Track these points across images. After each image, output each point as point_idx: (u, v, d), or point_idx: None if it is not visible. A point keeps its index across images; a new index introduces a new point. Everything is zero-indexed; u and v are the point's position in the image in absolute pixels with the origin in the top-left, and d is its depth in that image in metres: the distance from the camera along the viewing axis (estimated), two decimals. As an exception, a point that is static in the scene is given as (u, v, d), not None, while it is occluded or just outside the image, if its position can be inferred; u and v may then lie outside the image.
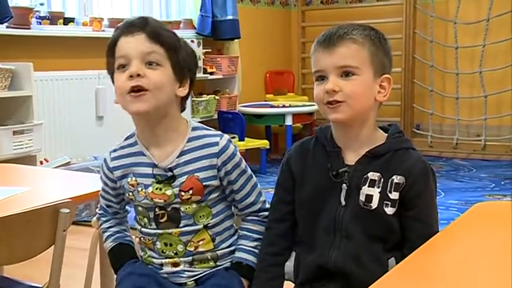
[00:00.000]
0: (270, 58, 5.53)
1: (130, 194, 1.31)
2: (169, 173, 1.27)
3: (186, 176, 1.27)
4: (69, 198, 1.34)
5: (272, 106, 4.91)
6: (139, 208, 1.32)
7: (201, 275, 1.31)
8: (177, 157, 1.28)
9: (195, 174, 1.27)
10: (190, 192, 1.27)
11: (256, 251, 1.32)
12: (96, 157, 3.73)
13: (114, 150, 1.35)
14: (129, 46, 1.25)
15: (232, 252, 1.34)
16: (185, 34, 4.54)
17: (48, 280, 1.33)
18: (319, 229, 1.23)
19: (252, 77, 5.23)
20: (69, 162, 3.50)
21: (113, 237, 1.39)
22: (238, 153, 1.32)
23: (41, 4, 3.67)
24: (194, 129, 1.31)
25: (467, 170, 4.45)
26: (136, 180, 1.30)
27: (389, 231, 1.19)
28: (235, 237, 1.36)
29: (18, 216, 1.23)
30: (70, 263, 1.69)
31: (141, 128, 1.32)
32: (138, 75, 1.22)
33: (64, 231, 1.30)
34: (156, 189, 1.28)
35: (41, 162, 3.41)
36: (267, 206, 1.35)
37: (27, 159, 3.22)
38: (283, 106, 4.86)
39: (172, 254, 1.31)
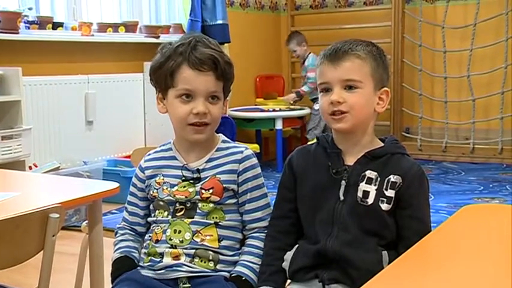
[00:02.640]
0: (260, 62, 5.54)
1: (155, 191, 1.39)
2: (196, 174, 1.37)
3: (210, 177, 1.36)
4: (59, 203, 1.34)
5: (262, 110, 4.92)
6: (161, 203, 1.38)
7: (199, 274, 1.32)
8: (205, 162, 1.38)
9: (217, 175, 1.36)
10: (211, 191, 1.35)
11: (257, 269, 1.34)
12: (85, 162, 3.72)
13: (149, 154, 1.46)
14: (196, 83, 1.33)
15: (233, 263, 1.36)
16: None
17: (38, 285, 1.32)
18: (318, 222, 1.29)
19: (242, 81, 5.23)
20: (59, 167, 3.48)
21: (120, 250, 1.42)
22: (259, 169, 1.41)
23: (30, 9, 3.65)
24: (224, 142, 1.43)
25: (456, 173, 4.48)
26: (163, 179, 1.39)
27: (384, 227, 1.26)
28: (239, 251, 1.38)
29: (7, 222, 1.22)
30: (60, 268, 1.69)
31: (182, 140, 1.41)
32: (204, 113, 1.33)
33: (53, 236, 1.30)
34: (181, 187, 1.37)
35: (30, 168, 3.39)
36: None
37: (16, 165, 3.20)
38: (274, 110, 4.87)
39: (178, 242, 1.33)
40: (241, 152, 1.39)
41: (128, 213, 1.46)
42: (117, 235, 1.46)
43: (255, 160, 1.41)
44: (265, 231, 1.38)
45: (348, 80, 1.27)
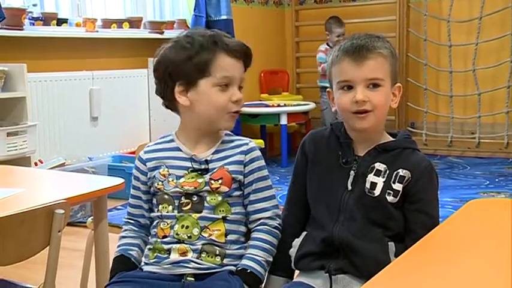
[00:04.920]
0: (265, 58, 5.53)
1: (160, 183, 1.38)
2: (204, 165, 1.37)
3: (218, 168, 1.37)
4: (64, 199, 1.34)
5: (267, 106, 4.92)
6: (166, 197, 1.37)
7: (205, 271, 1.32)
8: (212, 153, 1.39)
9: (226, 166, 1.37)
10: (220, 181, 1.36)
11: (264, 262, 1.35)
12: (91, 158, 3.72)
13: (148, 146, 1.45)
14: (235, 70, 1.38)
15: (239, 257, 1.36)
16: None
17: (44, 281, 1.32)
18: (325, 208, 1.31)
19: (246, 77, 5.20)
20: (64, 163, 3.49)
21: (119, 248, 1.42)
22: (263, 161, 1.42)
23: (34, 5, 3.66)
24: (227, 135, 1.44)
25: (461, 168, 4.46)
26: (168, 171, 1.38)
27: (389, 218, 1.27)
28: (245, 245, 1.38)
29: (12, 218, 1.22)
30: (66, 264, 1.69)
31: (190, 131, 1.41)
32: (241, 100, 1.39)
33: (59, 232, 1.30)
34: (189, 178, 1.36)
35: (36, 164, 3.40)
36: (279, 220, 1.41)
37: (22, 161, 3.21)
38: (278, 105, 4.86)
39: (186, 237, 1.34)
40: (247, 144, 1.41)
41: (131, 207, 1.45)
42: (123, 229, 1.46)
43: (259, 152, 1.42)
44: (270, 222, 1.39)
45: (373, 78, 1.26)
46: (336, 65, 1.29)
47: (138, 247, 1.42)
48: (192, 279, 1.32)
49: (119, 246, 1.42)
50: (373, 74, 1.26)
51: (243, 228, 1.39)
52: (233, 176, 1.37)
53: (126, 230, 1.44)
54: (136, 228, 1.44)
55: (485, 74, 4.82)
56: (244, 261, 1.34)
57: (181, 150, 1.40)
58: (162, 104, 1.42)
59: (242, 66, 1.39)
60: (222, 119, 1.37)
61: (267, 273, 1.37)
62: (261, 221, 1.39)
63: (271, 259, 1.37)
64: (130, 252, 1.40)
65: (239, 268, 1.33)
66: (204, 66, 1.34)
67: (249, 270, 1.32)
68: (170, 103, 1.40)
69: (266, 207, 1.39)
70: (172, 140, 1.43)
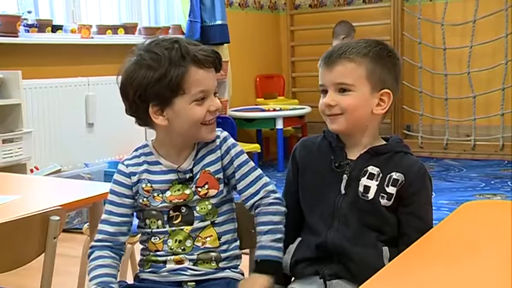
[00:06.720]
0: (260, 62, 5.54)
1: (145, 199, 1.33)
2: (189, 174, 1.32)
3: (200, 172, 1.33)
4: (60, 206, 1.34)
5: (263, 110, 4.92)
6: (153, 212, 1.33)
7: (203, 277, 1.32)
8: (193, 159, 1.34)
9: (207, 168, 1.33)
10: (206, 186, 1.32)
11: (271, 242, 1.30)
12: (86, 164, 3.72)
13: (128, 159, 1.37)
14: (208, 81, 1.29)
15: (235, 257, 1.35)
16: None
17: (39, 288, 1.32)
18: (319, 214, 1.31)
19: (242, 81, 5.24)
20: (60, 169, 3.49)
21: (100, 280, 1.27)
22: (239, 146, 1.37)
23: (29, 12, 3.65)
24: None
25: (457, 170, 4.48)
26: (151, 187, 1.33)
27: (383, 222, 1.27)
28: (237, 243, 1.37)
29: (7, 225, 1.22)
30: (62, 270, 1.69)
31: (164, 140, 1.35)
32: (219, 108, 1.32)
33: (54, 238, 1.30)
34: (175, 191, 1.32)
35: (31, 170, 3.39)
36: (273, 195, 1.36)
37: (18, 168, 3.21)
38: (274, 110, 4.87)
39: (180, 251, 1.32)
40: (218, 136, 1.35)
41: (109, 224, 1.33)
42: (92, 256, 1.32)
43: (232, 140, 1.37)
44: (263, 201, 1.34)
45: (340, 83, 1.28)
46: (319, 71, 1.34)
47: (116, 275, 1.31)
48: (193, 283, 1.32)
49: (96, 276, 1.27)
50: (340, 78, 1.28)
51: (232, 226, 1.37)
52: (216, 176, 1.32)
53: (101, 257, 1.30)
54: (113, 254, 1.32)
55: (480, 77, 4.84)
56: (256, 252, 1.30)
57: (160, 164, 1.33)
58: (135, 123, 1.34)
59: (214, 74, 1.30)
60: (200, 131, 1.30)
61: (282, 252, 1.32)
62: (255, 204, 1.35)
63: (279, 235, 1.31)
64: (113, 285, 1.27)
65: (254, 260, 1.30)
66: (176, 85, 1.25)
67: (259, 260, 1.29)
68: (144, 121, 1.31)
69: (255, 191, 1.34)
70: (150, 153, 1.35)
